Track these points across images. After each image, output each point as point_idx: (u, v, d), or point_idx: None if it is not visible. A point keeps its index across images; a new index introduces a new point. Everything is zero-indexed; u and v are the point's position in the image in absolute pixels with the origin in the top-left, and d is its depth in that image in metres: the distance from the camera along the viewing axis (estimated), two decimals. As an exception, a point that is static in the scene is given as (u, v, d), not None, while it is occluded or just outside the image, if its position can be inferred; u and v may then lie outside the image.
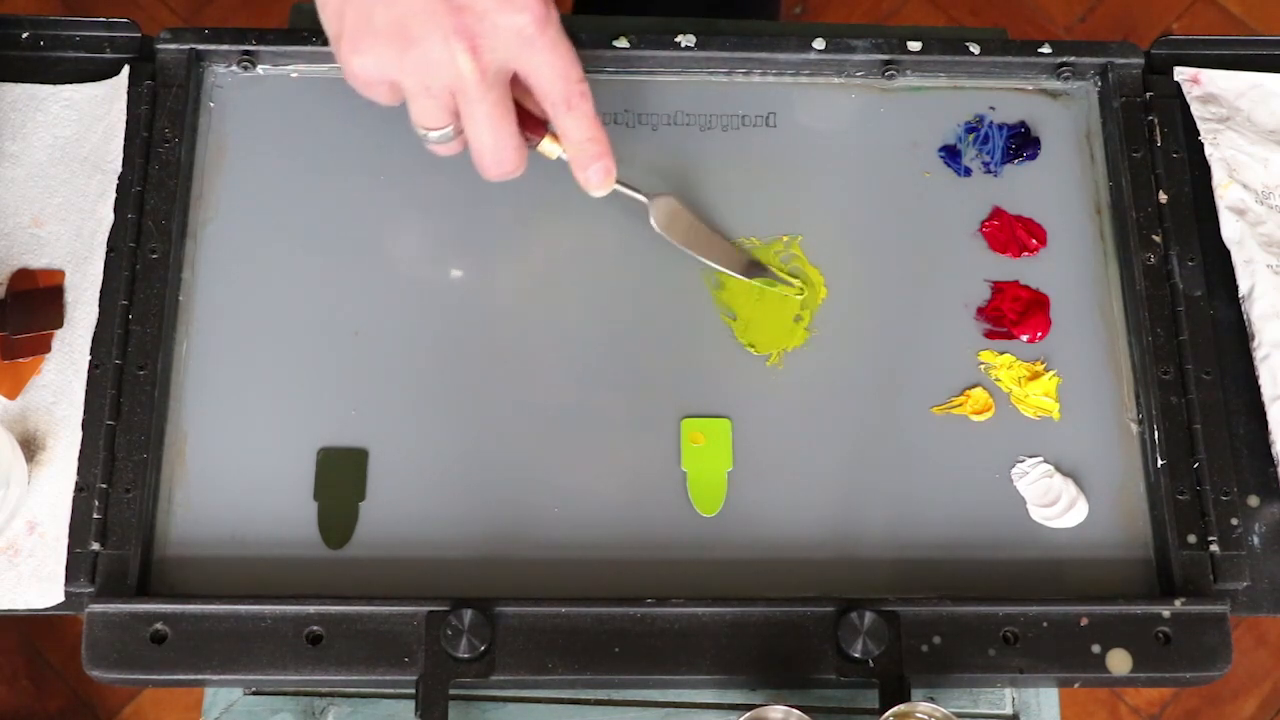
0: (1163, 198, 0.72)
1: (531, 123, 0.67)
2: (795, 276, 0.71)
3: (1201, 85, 0.76)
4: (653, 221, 0.70)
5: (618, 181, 0.69)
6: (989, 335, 0.71)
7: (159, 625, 0.62)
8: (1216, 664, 0.63)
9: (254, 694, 0.69)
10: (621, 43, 0.75)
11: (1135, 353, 0.70)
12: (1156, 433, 0.68)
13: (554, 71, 0.63)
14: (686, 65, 0.76)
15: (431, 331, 0.70)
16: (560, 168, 0.69)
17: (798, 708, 0.59)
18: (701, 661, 0.62)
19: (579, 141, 0.65)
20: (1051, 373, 0.70)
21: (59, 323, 0.69)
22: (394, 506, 0.67)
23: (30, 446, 0.66)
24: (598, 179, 0.67)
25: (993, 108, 0.76)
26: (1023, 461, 0.68)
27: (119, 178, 0.71)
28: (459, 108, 0.63)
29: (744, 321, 0.71)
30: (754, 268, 0.71)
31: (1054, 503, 0.67)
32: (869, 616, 0.62)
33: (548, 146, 0.68)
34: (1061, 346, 0.71)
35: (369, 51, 0.62)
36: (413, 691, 0.62)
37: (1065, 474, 0.68)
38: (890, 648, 0.62)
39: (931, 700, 0.60)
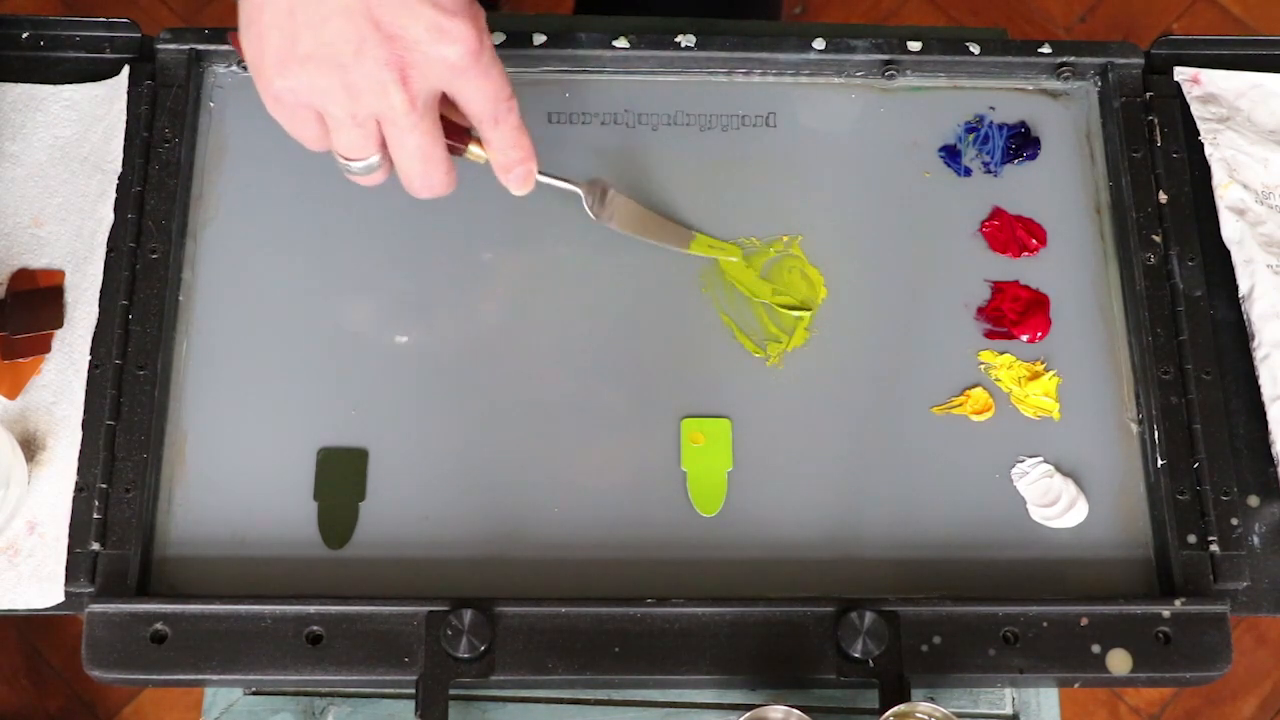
0: (1163, 198, 0.72)
1: (456, 131, 0.66)
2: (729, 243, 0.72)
3: (1201, 85, 0.76)
4: (587, 209, 0.71)
5: (544, 174, 0.69)
6: (989, 335, 0.71)
7: (159, 625, 0.62)
8: (1216, 664, 0.63)
9: (254, 694, 0.69)
10: (621, 43, 0.75)
11: (1135, 353, 0.70)
12: (1156, 433, 0.68)
13: (484, 95, 0.62)
14: (686, 65, 0.76)
15: (431, 331, 0.70)
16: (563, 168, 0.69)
17: (798, 708, 0.59)
18: (701, 661, 0.62)
19: (503, 149, 0.65)
20: (1051, 373, 0.70)
21: (59, 323, 0.69)
22: (394, 506, 0.67)
23: (30, 446, 0.66)
24: (518, 182, 0.67)
25: (993, 108, 0.76)
26: (1023, 461, 0.68)
27: (119, 178, 0.71)
28: (386, 136, 0.62)
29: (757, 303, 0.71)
30: (691, 237, 0.72)
31: (1054, 503, 0.67)
32: (869, 616, 0.62)
33: (475, 152, 0.67)
34: (1061, 346, 0.71)
35: (295, 75, 0.59)
36: (413, 691, 0.62)
37: (1065, 474, 0.68)
38: (890, 648, 0.62)
39: (931, 700, 0.60)
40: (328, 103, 0.60)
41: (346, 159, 0.63)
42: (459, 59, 0.59)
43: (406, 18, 0.58)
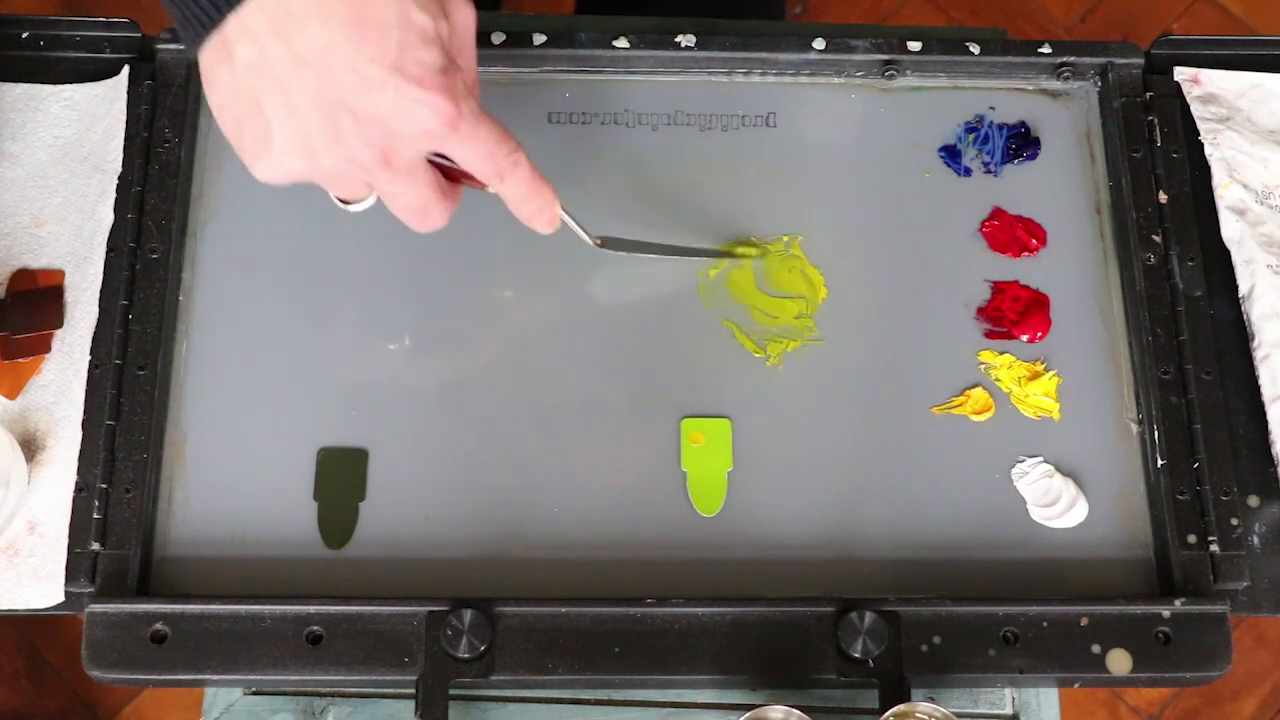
0: (1163, 198, 0.72)
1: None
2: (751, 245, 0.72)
3: (1201, 85, 0.76)
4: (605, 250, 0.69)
5: (572, 217, 0.66)
6: (989, 335, 0.71)
7: (159, 625, 0.62)
8: (1216, 664, 0.63)
9: (254, 694, 0.69)
10: (621, 43, 0.75)
11: (1135, 353, 0.70)
12: (1156, 433, 0.68)
13: (477, 157, 0.60)
14: (686, 65, 0.76)
15: (432, 331, 0.70)
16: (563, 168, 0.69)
17: (798, 708, 0.59)
18: (701, 661, 0.62)
19: (517, 202, 0.64)
20: (1051, 373, 0.70)
21: (59, 323, 0.69)
22: (394, 506, 0.67)
23: (30, 446, 0.66)
24: (542, 227, 0.65)
25: (993, 108, 0.76)
26: (1023, 461, 0.68)
27: (119, 178, 0.71)
28: (377, 192, 0.61)
29: (757, 307, 0.71)
30: (715, 253, 0.71)
31: (1054, 503, 0.67)
32: (869, 616, 0.62)
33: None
34: (1061, 346, 0.71)
35: (275, 167, 0.58)
36: (413, 691, 0.62)
37: (1065, 474, 0.68)
38: (890, 648, 0.62)
39: (931, 700, 0.60)
40: (313, 177, 0.59)
41: (342, 202, 0.63)
42: (436, 128, 0.57)
43: (376, 97, 0.56)
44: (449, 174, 0.62)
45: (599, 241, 0.69)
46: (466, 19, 0.61)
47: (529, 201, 0.64)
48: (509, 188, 0.62)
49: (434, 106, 0.57)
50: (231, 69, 0.56)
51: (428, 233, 0.63)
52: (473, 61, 0.62)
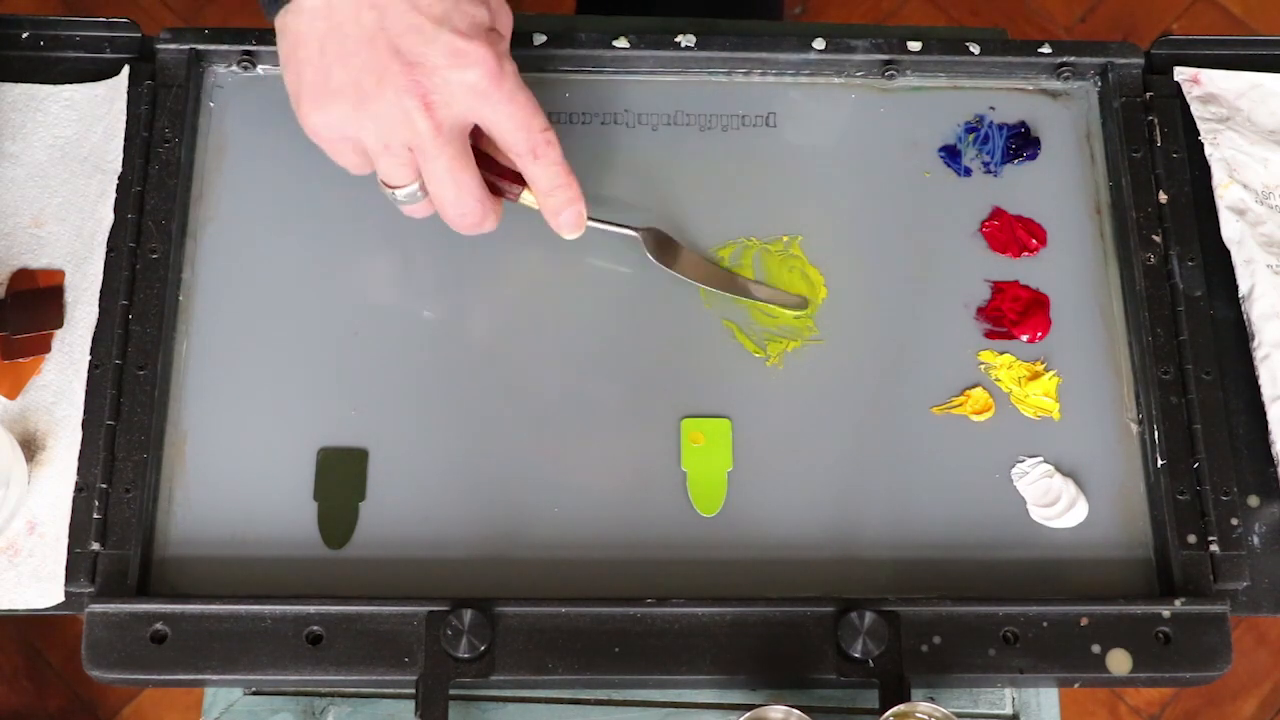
0: (1163, 198, 0.72)
1: (509, 176, 0.68)
2: (797, 301, 0.71)
3: (1201, 85, 0.76)
4: (648, 253, 0.71)
5: (603, 220, 0.70)
6: (989, 335, 0.71)
7: (159, 625, 0.62)
8: (1216, 664, 0.63)
9: (254, 694, 0.69)
10: (621, 43, 0.75)
11: (1135, 353, 0.70)
12: (1156, 433, 0.68)
13: (514, 123, 0.63)
14: (686, 65, 0.76)
15: (431, 331, 0.70)
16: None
17: (798, 708, 0.59)
18: (701, 661, 0.62)
19: (548, 190, 0.66)
20: (1051, 373, 0.70)
21: (59, 323, 0.69)
22: (394, 506, 0.67)
23: (30, 446, 0.66)
24: (569, 224, 0.68)
25: (993, 108, 0.76)
26: (1023, 461, 0.68)
27: (119, 178, 0.71)
28: (418, 163, 0.64)
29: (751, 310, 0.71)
30: (754, 288, 0.71)
31: (1054, 503, 0.67)
32: (869, 616, 0.62)
33: (528, 198, 0.68)
34: (1061, 346, 0.71)
35: (327, 110, 0.63)
36: (413, 691, 0.62)
37: (1065, 474, 0.68)
38: (890, 648, 0.62)
39: (931, 700, 0.60)
40: (361, 133, 0.63)
41: (389, 186, 0.66)
42: (478, 81, 0.61)
43: (424, 44, 0.60)
44: (489, 188, 0.66)
45: (644, 232, 0.70)
46: None
47: (560, 190, 0.66)
48: (541, 169, 0.65)
49: (479, 57, 0.61)
50: (299, 16, 0.62)
51: (466, 231, 0.67)
52: (509, 34, 0.65)
